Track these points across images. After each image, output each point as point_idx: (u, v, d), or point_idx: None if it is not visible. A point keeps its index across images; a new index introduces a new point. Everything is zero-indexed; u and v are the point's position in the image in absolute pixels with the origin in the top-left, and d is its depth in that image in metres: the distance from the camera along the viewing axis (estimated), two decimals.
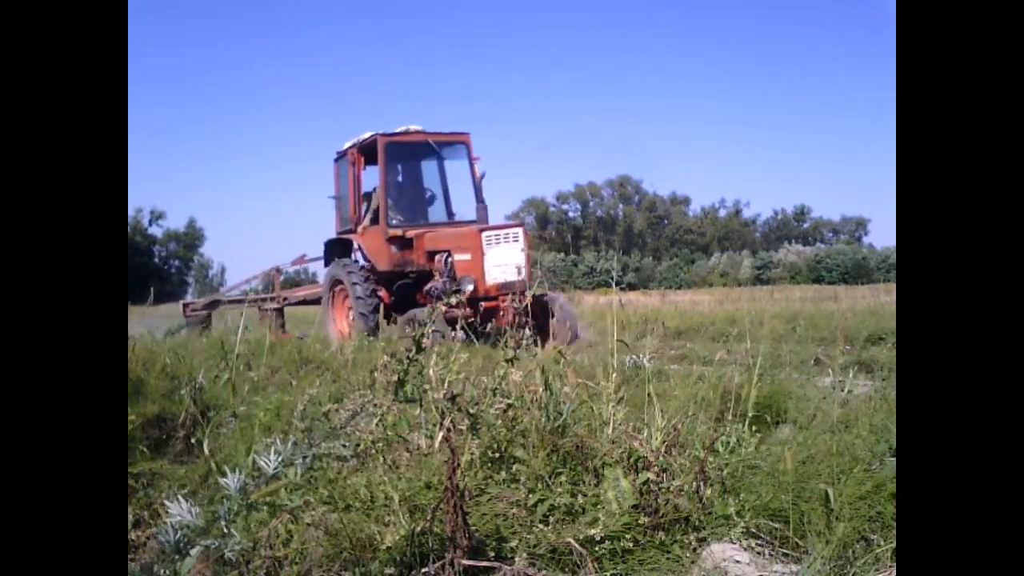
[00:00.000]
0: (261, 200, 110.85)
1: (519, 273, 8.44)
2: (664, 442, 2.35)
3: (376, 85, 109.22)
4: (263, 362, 4.74)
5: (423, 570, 1.82)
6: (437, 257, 9.11)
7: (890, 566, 1.90)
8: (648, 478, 2.13)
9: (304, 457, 1.88)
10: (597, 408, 2.59)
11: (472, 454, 2.32)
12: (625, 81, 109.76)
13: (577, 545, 1.91)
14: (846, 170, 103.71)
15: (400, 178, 10.37)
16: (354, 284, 9.39)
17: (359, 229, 9.86)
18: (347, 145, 10.17)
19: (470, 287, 8.16)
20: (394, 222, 9.60)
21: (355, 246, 10.21)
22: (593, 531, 1.96)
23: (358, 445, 2.20)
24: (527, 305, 8.08)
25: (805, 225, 74.77)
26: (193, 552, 1.59)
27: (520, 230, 8.91)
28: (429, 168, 10.71)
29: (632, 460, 2.27)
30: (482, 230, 8.65)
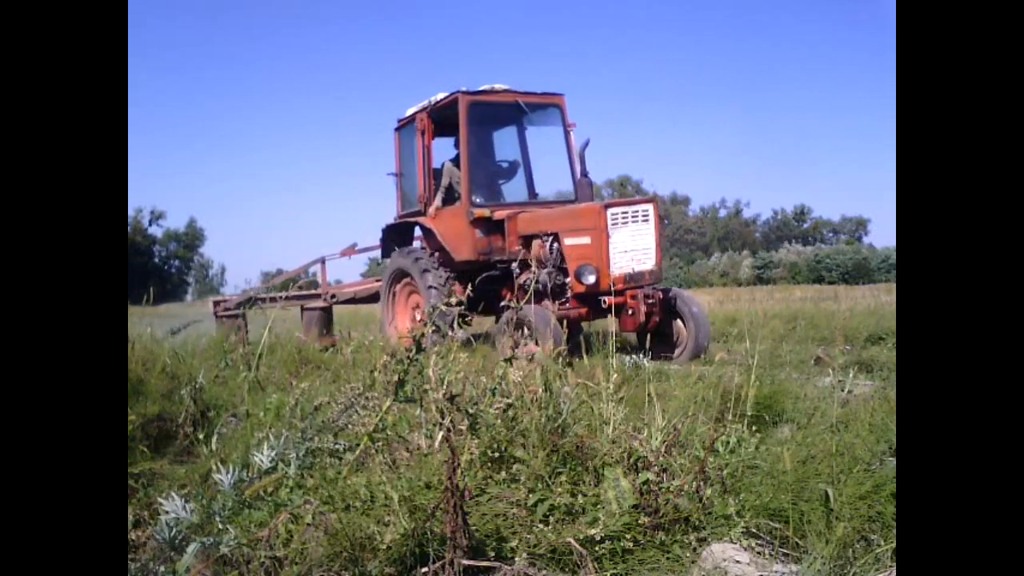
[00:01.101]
0: (261, 200, 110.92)
1: (651, 261, 6.67)
2: (664, 442, 2.35)
3: (375, 84, 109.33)
4: (263, 362, 4.74)
5: (423, 570, 1.82)
6: (537, 243, 7.24)
7: (890, 566, 1.90)
8: (648, 478, 2.13)
9: (298, 452, 1.89)
10: (597, 408, 2.59)
11: (472, 454, 2.32)
12: (624, 80, 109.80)
13: (577, 545, 1.91)
14: (846, 170, 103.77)
15: (480, 148, 8.31)
16: (424, 272, 7.59)
17: (430, 211, 7.97)
18: (413, 110, 8.24)
19: (592, 278, 6.41)
20: (477, 201, 7.73)
21: (416, 233, 8.59)
22: (593, 531, 1.96)
23: (357, 444, 2.20)
24: (662, 302, 6.66)
25: (805, 225, 74.74)
26: (189, 549, 1.59)
27: (651, 207, 6.84)
28: (509, 136, 8.72)
29: (632, 460, 2.27)
30: (607, 206, 6.62)
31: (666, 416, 2.54)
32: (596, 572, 1.89)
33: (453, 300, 6.92)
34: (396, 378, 2.16)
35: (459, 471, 1.80)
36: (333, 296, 9.62)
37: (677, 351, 6.66)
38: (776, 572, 1.95)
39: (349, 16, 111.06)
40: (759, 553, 2.04)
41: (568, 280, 6.81)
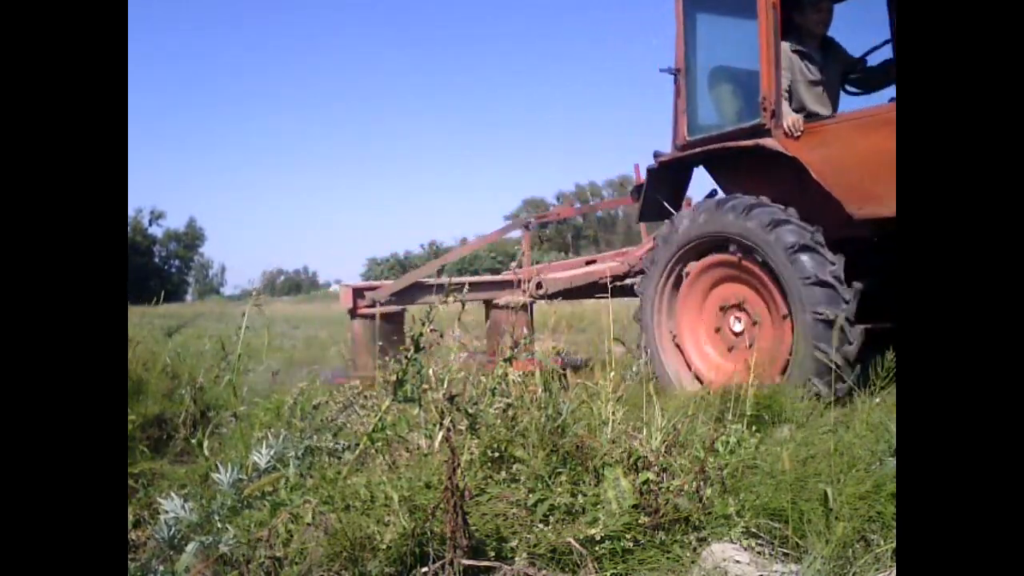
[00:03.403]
0: (261, 200, 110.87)
1: None
2: (664, 442, 2.36)
3: (375, 85, 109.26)
4: (264, 362, 4.74)
5: (423, 570, 1.82)
6: None
7: (890, 566, 1.90)
8: (648, 478, 2.14)
9: (297, 451, 1.89)
10: (596, 408, 2.59)
11: (472, 454, 2.32)
12: (623, 78, 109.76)
13: (577, 545, 1.91)
14: None
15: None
16: (799, 251, 3.91)
17: (787, 124, 4.22)
18: None
19: None
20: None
21: (693, 190, 5.26)
22: (593, 531, 1.97)
23: (357, 444, 2.20)
24: None
25: None
26: (188, 548, 1.59)
27: None
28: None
29: (632, 460, 2.28)
30: None
31: (666, 416, 2.54)
32: (596, 572, 1.90)
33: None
34: (395, 378, 2.16)
35: (459, 471, 1.80)
36: (539, 286, 5.86)
37: None
38: (776, 572, 1.95)
39: (348, 21, 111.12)
40: (759, 553, 2.04)
41: None
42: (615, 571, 1.92)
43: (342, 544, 1.86)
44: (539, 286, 5.90)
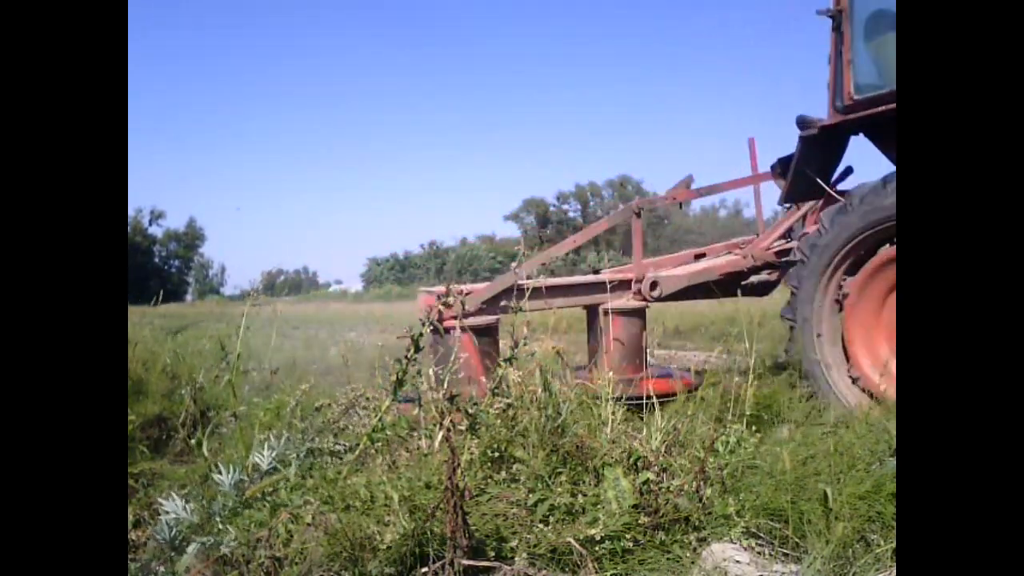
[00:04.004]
0: (261, 200, 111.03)
1: None
2: (664, 442, 2.36)
3: (371, 88, 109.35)
4: (265, 363, 4.74)
5: (423, 570, 1.82)
6: None
7: (890, 566, 1.90)
8: (648, 478, 2.14)
9: (299, 452, 1.89)
10: (596, 408, 2.59)
11: (472, 454, 2.32)
12: (624, 77, 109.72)
13: (577, 545, 1.91)
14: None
15: None
16: None
17: None
18: None
19: None
20: None
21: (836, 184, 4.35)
22: (593, 531, 1.97)
23: (358, 444, 2.20)
24: None
25: None
26: (189, 549, 1.59)
27: None
28: None
29: (632, 460, 2.28)
30: None
31: (666, 416, 2.54)
32: (596, 572, 1.89)
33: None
34: (395, 378, 2.16)
35: (459, 471, 1.80)
36: (654, 287, 4.96)
37: None
38: (776, 572, 1.95)
39: (349, 16, 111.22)
40: (759, 553, 2.04)
41: None
42: (615, 571, 1.92)
43: (342, 544, 1.86)
44: (653, 286, 4.97)
